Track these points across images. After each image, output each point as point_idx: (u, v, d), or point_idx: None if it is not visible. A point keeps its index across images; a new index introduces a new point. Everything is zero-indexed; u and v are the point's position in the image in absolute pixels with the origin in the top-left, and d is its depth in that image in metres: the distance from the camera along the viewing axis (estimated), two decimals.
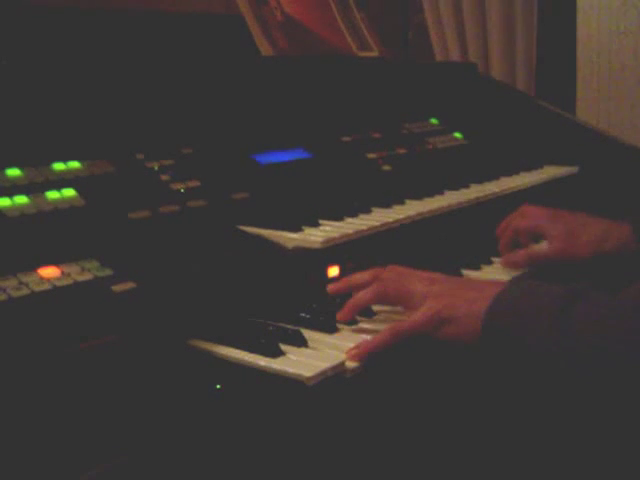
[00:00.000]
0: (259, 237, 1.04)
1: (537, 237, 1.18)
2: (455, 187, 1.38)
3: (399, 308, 0.92)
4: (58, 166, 1.01)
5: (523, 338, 0.80)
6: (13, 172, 0.96)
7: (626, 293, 1.24)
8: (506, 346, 0.82)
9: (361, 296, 0.91)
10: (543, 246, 1.16)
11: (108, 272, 0.85)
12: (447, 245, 1.23)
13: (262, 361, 0.79)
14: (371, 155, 1.42)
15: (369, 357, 0.82)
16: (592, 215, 1.20)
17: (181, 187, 1.08)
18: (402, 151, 1.49)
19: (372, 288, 0.91)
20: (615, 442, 1.06)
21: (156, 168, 1.10)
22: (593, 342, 0.76)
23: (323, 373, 0.78)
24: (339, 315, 0.91)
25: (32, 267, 0.82)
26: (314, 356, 0.82)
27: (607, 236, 1.15)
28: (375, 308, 0.95)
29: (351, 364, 0.81)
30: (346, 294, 0.95)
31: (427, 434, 0.91)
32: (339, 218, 1.13)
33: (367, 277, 0.93)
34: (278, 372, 0.78)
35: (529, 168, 1.60)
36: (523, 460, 1.10)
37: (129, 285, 0.83)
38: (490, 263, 1.17)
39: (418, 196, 1.29)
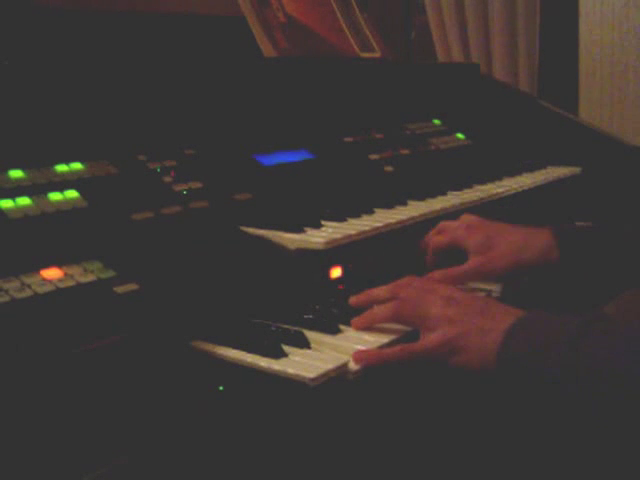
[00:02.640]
0: (261, 238, 1.04)
1: (457, 253, 1.10)
2: (458, 188, 1.38)
3: None
4: (61, 167, 1.01)
5: (539, 371, 0.79)
6: (16, 173, 0.97)
7: (620, 303, 1.23)
8: (521, 380, 0.81)
9: (378, 313, 0.91)
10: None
11: (111, 273, 0.85)
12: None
13: (264, 362, 0.79)
14: (374, 156, 1.42)
15: (371, 366, 0.82)
16: (542, 223, 1.13)
17: (183, 188, 1.08)
18: (405, 152, 1.49)
19: (390, 307, 0.90)
20: (628, 469, 1.05)
21: (158, 169, 1.10)
22: (607, 367, 0.75)
23: (326, 374, 0.77)
24: (354, 323, 0.91)
25: (35, 268, 0.82)
26: (317, 357, 0.82)
27: (526, 245, 1.07)
28: None
29: (354, 367, 0.81)
30: (347, 294, 0.96)
31: (429, 437, 0.91)
32: (342, 219, 1.13)
33: (386, 294, 0.93)
34: (280, 373, 0.78)
35: (532, 169, 1.60)
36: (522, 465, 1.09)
37: (132, 286, 0.84)
38: None
39: (421, 197, 1.29)
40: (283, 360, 0.80)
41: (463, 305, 0.88)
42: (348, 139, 1.44)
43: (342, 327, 0.90)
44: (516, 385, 0.83)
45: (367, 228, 1.09)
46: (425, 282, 0.95)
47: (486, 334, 0.84)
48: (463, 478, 1.02)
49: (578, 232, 1.12)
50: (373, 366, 0.82)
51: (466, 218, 1.14)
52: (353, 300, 0.96)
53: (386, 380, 0.84)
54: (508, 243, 1.08)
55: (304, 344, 0.85)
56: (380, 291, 0.94)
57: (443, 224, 1.16)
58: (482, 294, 1.04)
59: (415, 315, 0.89)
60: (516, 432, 1.05)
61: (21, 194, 0.94)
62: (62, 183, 0.99)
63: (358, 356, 0.82)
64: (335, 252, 1.03)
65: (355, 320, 0.91)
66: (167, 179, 1.09)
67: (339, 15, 1.75)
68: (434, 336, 0.86)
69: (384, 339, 0.87)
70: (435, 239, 1.14)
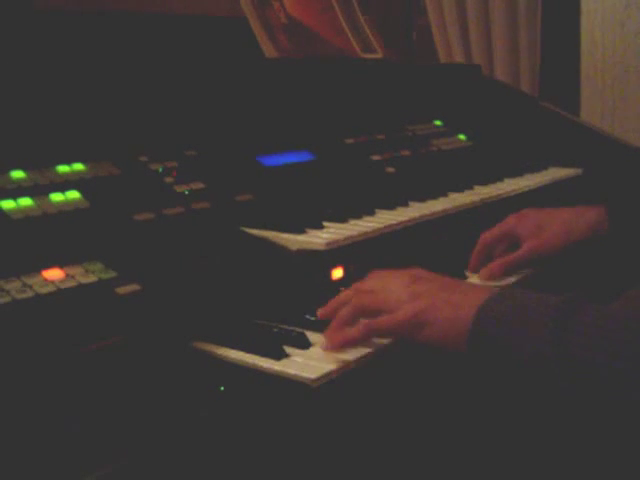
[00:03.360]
0: (263, 239, 1.04)
1: (511, 243, 1.14)
2: (459, 189, 1.38)
3: None
4: (62, 168, 1.01)
5: (513, 349, 0.76)
6: (17, 174, 0.97)
7: (626, 300, 1.22)
8: (494, 356, 0.78)
9: (341, 315, 0.87)
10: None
11: (112, 274, 0.85)
12: (451, 247, 1.23)
13: (266, 363, 0.79)
14: (375, 157, 1.42)
15: (342, 348, 0.81)
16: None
17: (185, 189, 1.08)
18: (406, 153, 1.49)
19: (351, 305, 0.87)
20: (609, 453, 1.05)
21: (160, 170, 1.10)
22: (592, 356, 0.72)
23: (327, 375, 0.78)
24: (325, 335, 0.85)
25: (36, 269, 0.82)
26: (318, 358, 0.82)
27: (575, 222, 1.12)
28: None
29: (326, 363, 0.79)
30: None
31: (431, 436, 0.91)
32: (343, 220, 1.13)
33: (349, 292, 0.90)
34: (282, 374, 0.78)
35: (533, 170, 1.59)
36: (519, 461, 1.10)
37: (133, 287, 0.84)
38: None
39: (422, 198, 1.29)
40: (285, 361, 0.80)
41: (429, 281, 0.86)
42: (349, 140, 1.44)
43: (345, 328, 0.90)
44: (488, 362, 0.79)
45: (368, 229, 1.09)
46: (390, 270, 0.91)
47: (457, 308, 0.81)
48: (464, 478, 1.02)
49: (630, 205, 1.15)
50: (340, 348, 0.81)
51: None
52: (320, 312, 0.91)
53: (386, 381, 0.84)
54: (560, 222, 1.12)
55: (306, 345, 0.85)
56: (343, 294, 0.91)
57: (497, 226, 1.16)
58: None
59: (377, 301, 0.86)
60: (509, 430, 1.05)
61: (23, 195, 0.94)
62: (64, 184, 0.99)
63: (325, 346, 0.81)
64: (336, 253, 1.03)
65: (326, 333, 0.86)
66: (169, 180, 1.09)
67: (340, 16, 1.75)
68: (400, 311, 0.83)
69: (385, 340, 0.87)
70: (484, 234, 1.15)
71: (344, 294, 0.91)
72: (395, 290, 0.86)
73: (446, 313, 0.82)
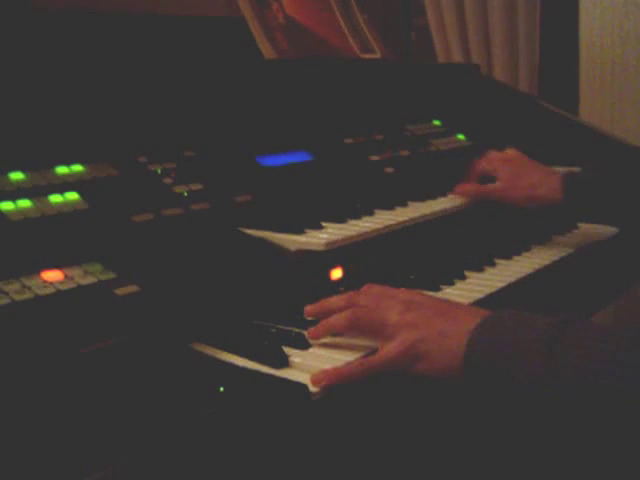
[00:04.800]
0: (262, 240, 1.04)
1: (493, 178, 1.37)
2: None
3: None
4: (61, 169, 1.01)
5: (508, 374, 0.76)
6: (16, 176, 0.96)
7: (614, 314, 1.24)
8: (490, 383, 0.78)
9: (333, 322, 0.86)
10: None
11: (111, 275, 0.85)
12: (450, 247, 1.23)
13: (266, 370, 0.79)
14: (374, 157, 1.42)
15: (335, 386, 0.77)
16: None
17: (184, 190, 1.08)
18: (405, 153, 1.49)
19: (345, 316, 0.86)
20: (604, 473, 1.05)
21: (159, 171, 1.10)
22: (581, 377, 0.72)
23: None
24: (310, 332, 0.87)
25: (35, 271, 0.82)
26: (318, 359, 0.82)
27: (541, 183, 1.31)
28: None
29: (313, 389, 0.76)
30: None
31: (430, 440, 0.91)
32: (342, 220, 1.13)
33: (342, 303, 0.89)
34: (282, 376, 0.78)
35: None
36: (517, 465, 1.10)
37: (132, 288, 0.84)
38: (493, 265, 1.17)
39: (421, 198, 1.29)
40: (284, 362, 0.80)
41: (424, 308, 0.85)
42: (348, 140, 1.44)
43: None
44: (485, 390, 0.79)
45: (367, 229, 1.09)
46: (385, 289, 0.90)
47: (447, 337, 0.80)
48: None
49: (581, 178, 1.35)
50: (335, 386, 0.77)
51: (509, 151, 1.49)
52: (308, 309, 0.91)
53: (385, 384, 0.84)
54: (528, 179, 1.33)
55: (305, 345, 0.85)
56: (336, 299, 0.90)
57: (491, 154, 1.43)
58: None
59: (372, 322, 0.85)
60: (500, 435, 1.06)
61: (22, 196, 0.94)
62: (63, 185, 0.99)
63: (316, 378, 0.77)
64: (335, 253, 1.03)
65: (311, 330, 0.87)
66: (167, 181, 1.09)
67: (339, 16, 1.75)
68: (393, 345, 0.82)
69: None
70: (478, 163, 1.41)
71: (335, 300, 0.90)
72: (389, 314, 0.84)
73: (438, 344, 0.81)
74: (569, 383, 0.73)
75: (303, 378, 0.77)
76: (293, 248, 1.03)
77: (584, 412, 0.73)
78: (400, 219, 1.15)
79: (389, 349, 0.82)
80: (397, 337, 0.82)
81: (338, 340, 0.87)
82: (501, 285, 1.08)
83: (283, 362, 0.81)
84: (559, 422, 0.77)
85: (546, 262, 1.22)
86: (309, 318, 0.92)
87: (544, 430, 0.97)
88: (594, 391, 0.71)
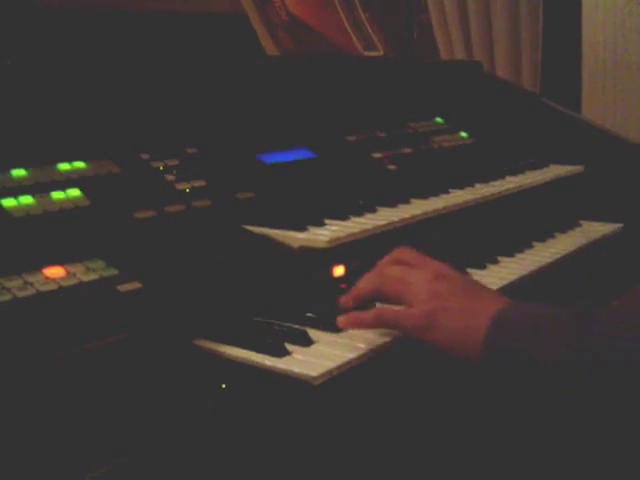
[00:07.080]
0: (264, 237, 1.03)
1: None
2: (461, 186, 1.37)
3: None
4: (63, 166, 1.01)
5: (530, 359, 0.76)
6: (18, 172, 0.97)
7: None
8: (509, 363, 0.78)
9: (362, 285, 0.90)
10: None
11: (113, 272, 0.85)
12: (453, 244, 1.23)
13: (268, 361, 0.79)
14: (376, 154, 1.42)
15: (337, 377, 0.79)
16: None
17: (186, 187, 1.08)
18: (407, 150, 1.49)
19: (372, 280, 0.89)
20: (628, 456, 1.05)
21: (161, 168, 1.10)
22: (614, 359, 0.72)
23: (329, 372, 0.78)
24: (340, 300, 0.91)
25: (37, 267, 0.82)
26: (320, 355, 0.82)
27: None
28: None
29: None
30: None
31: (432, 434, 0.91)
32: (344, 217, 1.13)
33: (372, 276, 0.91)
34: (284, 372, 0.78)
35: (535, 167, 1.59)
36: (520, 462, 1.09)
37: (134, 285, 0.83)
38: (496, 262, 1.17)
39: (424, 195, 1.29)
40: (286, 358, 0.80)
41: (452, 282, 0.86)
42: (351, 137, 1.44)
43: None
44: (504, 370, 0.79)
45: (370, 226, 1.09)
46: (417, 256, 0.91)
47: (469, 315, 0.81)
48: (466, 477, 1.02)
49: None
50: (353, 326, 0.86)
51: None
52: (342, 299, 0.92)
53: (388, 379, 0.84)
54: None
55: (308, 342, 0.85)
56: (366, 276, 0.92)
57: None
58: None
59: (398, 290, 0.86)
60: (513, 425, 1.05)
61: (24, 193, 0.94)
62: (65, 182, 0.98)
63: (342, 320, 0.85)
64: (338, 250, 1.03)
65: (341, 298, 0.91)
66: (170, 178, 1.08)
67: (341, 13, 1.75)
68: (415, 306, 0.84)
69: (386, 338, 0.87)
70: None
71: (365, 277, 0.92)
72: (416, 283, 0.86)
73: (458, 320, 0.82)
74: (597, 367, 0.73)
75: (305, 368, 0.77)
76: (295, 245, 1.02)
77: (611, 395, 0.74)
78: (403, 216, 1.15)
79: (410, 310, 0.84)
80: (420, 300, 0.84)
81: (340, 340, 0.87)
82: (503, 283, 1.08)
83: (284, 353, 0.81)
84: (581, 406, 0.78)
85: (548, 259, 1.22)
86: (314, 316, 0.92)
87: (559, 415, 0.97)
88: (623, 374, 0.72)
